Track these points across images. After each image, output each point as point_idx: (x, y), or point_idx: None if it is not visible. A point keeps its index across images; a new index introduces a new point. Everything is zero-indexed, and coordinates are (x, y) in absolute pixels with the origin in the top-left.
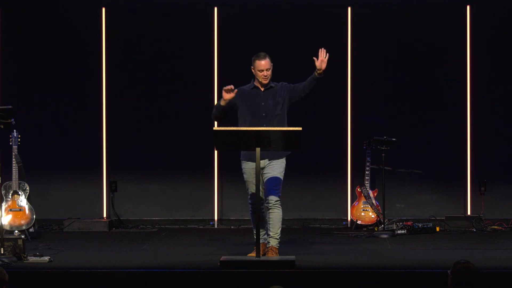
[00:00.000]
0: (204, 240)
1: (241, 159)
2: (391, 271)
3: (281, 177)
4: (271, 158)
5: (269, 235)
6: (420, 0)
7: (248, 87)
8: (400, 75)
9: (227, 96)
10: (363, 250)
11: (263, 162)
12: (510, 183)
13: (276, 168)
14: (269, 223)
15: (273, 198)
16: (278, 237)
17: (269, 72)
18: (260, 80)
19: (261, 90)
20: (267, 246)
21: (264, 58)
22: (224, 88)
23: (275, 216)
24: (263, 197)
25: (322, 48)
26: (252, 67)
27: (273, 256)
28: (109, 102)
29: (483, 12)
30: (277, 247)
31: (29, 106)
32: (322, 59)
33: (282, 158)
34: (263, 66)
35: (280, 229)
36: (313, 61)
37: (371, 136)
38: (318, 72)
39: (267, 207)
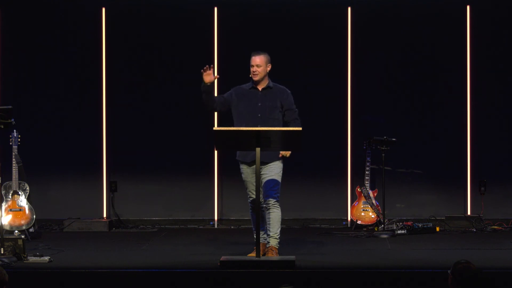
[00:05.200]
0: (204, 240)
1: (237, 158)
2: (391, 271)
3: (279, 178)
4: (267, 161)
5: (269, 235)
6: (420, 0)
7: (247, 86)
8: (400, 75)
9: (207, 78)
10: (363, 250)
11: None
12: (510, 183)
13: (273, 169)
14: (269, 223)
15: (271, 199)
16: (277, 237)
17: (259, 69)
18: (250, 75)
19: (258, 90)
20: (267, 246)
21: (256, 54)
22: (202, 70)
23: (274, 216)
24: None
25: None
26: None
27: (273, 256)
28: (109, 102)
29: (483, 12)
30: (277, 247)
31: (29, 106)
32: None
33: (278, 160)
34: (252, 61)
35: (279, 229)
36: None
37: (371, 136)
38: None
39: (266, 208)
